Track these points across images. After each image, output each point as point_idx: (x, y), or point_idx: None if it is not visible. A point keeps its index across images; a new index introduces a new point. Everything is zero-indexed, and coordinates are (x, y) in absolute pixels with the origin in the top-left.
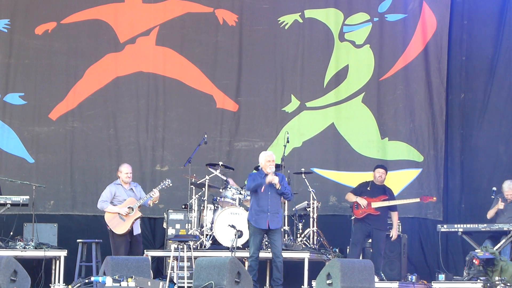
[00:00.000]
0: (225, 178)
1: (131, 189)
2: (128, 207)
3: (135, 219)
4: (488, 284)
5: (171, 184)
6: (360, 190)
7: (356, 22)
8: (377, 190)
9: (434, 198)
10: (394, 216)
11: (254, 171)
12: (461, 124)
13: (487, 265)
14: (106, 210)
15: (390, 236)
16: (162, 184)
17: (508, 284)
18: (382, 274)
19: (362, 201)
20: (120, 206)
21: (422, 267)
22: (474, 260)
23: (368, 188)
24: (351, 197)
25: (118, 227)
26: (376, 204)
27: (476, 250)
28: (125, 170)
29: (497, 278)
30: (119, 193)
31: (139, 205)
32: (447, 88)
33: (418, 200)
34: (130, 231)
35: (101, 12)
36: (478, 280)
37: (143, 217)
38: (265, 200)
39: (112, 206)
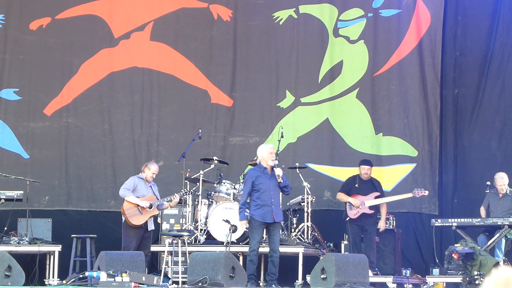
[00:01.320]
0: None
1: (150, 186)
2: (149, 203)
3: (152, 215)
4: (467, 279)
5: (190, 194)
6: (349, 187)
7: (350, 17)
8: (366, 186)
9: (426, 192)
10: (382, 208)
11: (250, 166)
12: (455, 119)
13: (466, 260)
14: (127, 199)
15: (378, 227)
16: (183, 191)
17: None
18: (376, 268)
19: (355, 202)
20: (141, 199)
21: (417, 261)
22: (453, 255)
23: (356, 185)
24: (343, 198)
25: (135, 218)
26: (369, 203)
27: (455, 245)
28: (153, 169)
29: (476, 272)
30: (140, 187)
31: (158, 204)
32: (441, 83)
33: (410, 195)
34: (145, 226)
35: (95, 8)
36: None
37: None
38: (267, 194)
39: (134, 197)
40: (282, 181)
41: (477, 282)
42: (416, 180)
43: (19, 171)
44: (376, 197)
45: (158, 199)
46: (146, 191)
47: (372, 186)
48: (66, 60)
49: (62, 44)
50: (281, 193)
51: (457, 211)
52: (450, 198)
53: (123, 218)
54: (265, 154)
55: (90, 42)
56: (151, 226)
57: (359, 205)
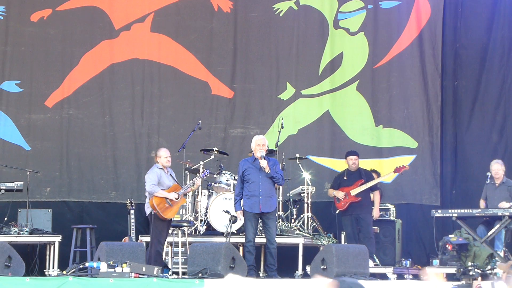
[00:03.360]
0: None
1: (170, 174)
2: (176, 193)
3: (181, 205)
4: (462, 269)
5: (208, 175)
6: (338, 182)
7: (350, 9)
8: (353, 176)
9: (407, 166)
10: (375, 195)
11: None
12: (455, 111)
13: (460, 250)
14: (156, 194)
15: (372, 215)
16: (203, 173)
17: (481, 269)
18: (377, 259)
19: (339, 194)
20: (167, 191)
21: (418, 252)
22: (447, 245)
23: (345, 178)
24: (330, 193)
25: (167, 211)
26: (354, 191)
27: (449, 235)
28: (164, 154)
29: (470, 263)
30: (163, 179)
31: (183, 192)
32: (441, 74)
33: (392, 173)
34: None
35: None
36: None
37: (138, 203)
38: (256, 185)
39: (162, 191)
40: (268, 171)
41: (471, 273)
42: (416, 171)
43: (21, 162)
44: (361, 185)
45: (182, 187)
46: (169, 182)
47: (359, 175)
48: (67, 51)
49: (63, 36)
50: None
51: (456, 203)
52: (449, 189)
53: (147, 211)
54: (254, 145)
55: (90, 33)
56: (173, 217)
57: (342, 196)
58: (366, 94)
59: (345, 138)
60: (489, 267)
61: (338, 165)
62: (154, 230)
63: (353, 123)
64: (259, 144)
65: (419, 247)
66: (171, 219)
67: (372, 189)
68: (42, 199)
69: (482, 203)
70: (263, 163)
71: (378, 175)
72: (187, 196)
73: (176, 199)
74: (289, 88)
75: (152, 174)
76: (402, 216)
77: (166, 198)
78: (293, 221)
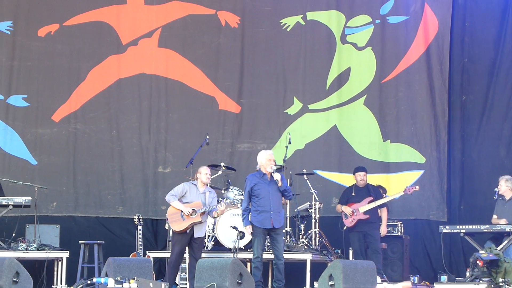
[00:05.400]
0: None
1: (204, 193)
2: (192, 209)
3: (194, 223)
4: (492, 286)
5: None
6: (346, 197)
7: (358, 24)
8: (362, 193)
9: (417, 187)
10: (383, 212)
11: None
12: (462, 126)
13: (491, 266)
14: (172, 204)
15: (379, 232)
16: (230, 198)
17: None
18: (384, 275)
19: (347, 210)
20: (186, 205)
21: (426, 268)
22: (478, 262)
23: (353, 194)
24: (338, 209)
25: (176, 223)
26: (363, 208)
27: (480, 252)
28: (204, 171)
29: (501, 279)
30: (191, 193)
31: (202, 212)
32: (449, 89)
33: (402, 193)
34: (191, 234)
35: (103, 14)
36: (481, 282)
37: (145, 218)
38: (266, 200)
39: (178, 203)
40: (281, 184)
41: None
42: (424, 187)
43: (27, 177)
44: (370, 202)
45: (206, 206)
46: (195, 197)
47: (367, 192)
48: (74, 66)
49: (70, 51)
50: (285, 199)
51: (464, 218)
52: (457, 205)
53: (166, 221)
54: (264, 160)
55: (98, 48)
56: (198, 234)
57: (350, 212)
58: (373, 109)
59: (352, 153)
60: None
61: (346, 180)
62: (172, 242)
63: (361, 138)
64: (270, 159)
65: (426, 263)
66: (192, 234)
67: (380, 205)
68: (49, 213)
69: (495, 220)
70: (277, 176)
71: (384, 190)
72: (194, 212)
73: (190, 214)
74: (296, 103)
75: (179, 186)
76: (410, 232)
77: (181, 212)
78: (300, 237)
